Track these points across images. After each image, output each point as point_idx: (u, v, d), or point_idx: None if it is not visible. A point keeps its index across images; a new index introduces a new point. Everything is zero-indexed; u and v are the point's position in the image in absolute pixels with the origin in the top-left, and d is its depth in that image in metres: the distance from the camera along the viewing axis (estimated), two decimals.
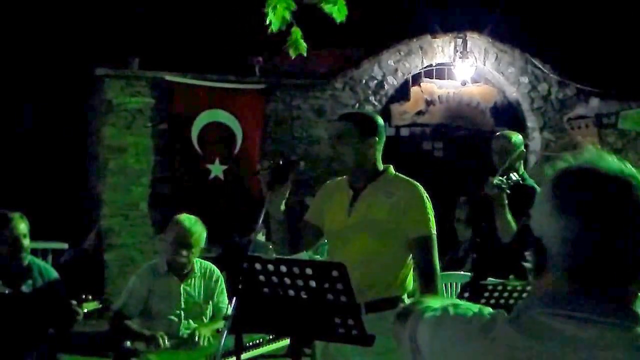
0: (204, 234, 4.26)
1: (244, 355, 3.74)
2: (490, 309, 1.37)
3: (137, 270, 4.57)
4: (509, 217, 4.39)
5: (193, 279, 4.27)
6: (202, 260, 4.37)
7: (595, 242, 1.24)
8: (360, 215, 3.17)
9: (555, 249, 1.27)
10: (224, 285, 4.35)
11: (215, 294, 4.31)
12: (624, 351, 1.22)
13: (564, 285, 1.27)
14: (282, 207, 3.14)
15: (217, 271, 4.37)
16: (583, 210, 1.25)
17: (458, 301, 1.45)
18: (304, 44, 4.94)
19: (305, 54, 5.02)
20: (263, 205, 3.05)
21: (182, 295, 4.22)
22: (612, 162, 1.29)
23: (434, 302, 1.47)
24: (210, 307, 4.31)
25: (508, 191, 4.38)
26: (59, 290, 4.23)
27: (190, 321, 4.23)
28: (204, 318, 4.27)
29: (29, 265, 4.23)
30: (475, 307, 1.38)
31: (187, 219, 4.22)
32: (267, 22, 4.79)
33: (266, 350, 4.25)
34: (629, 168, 1.29)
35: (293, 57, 5.03)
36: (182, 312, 4.22)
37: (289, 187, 3.11)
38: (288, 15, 4.74)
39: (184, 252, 4.15)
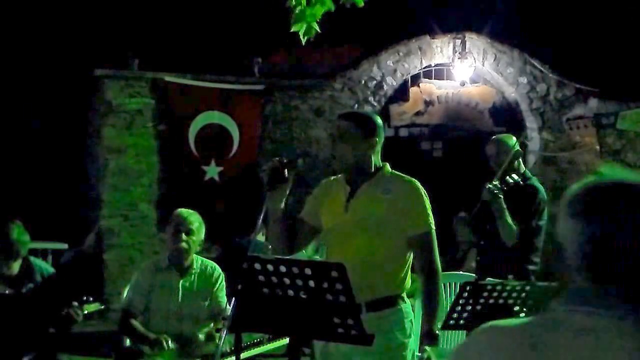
0: (203, 228, 4.33)
1: (243, 354, 3.75)
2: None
3: (139, 268, 4.61)
4: (509, 220, 4.40)
5: (192, 276, 4.29)
6: (203, 259, 4.40)
7: (596, 240, 1.33)
8: (358, 212, 3.18)
9: (568, 251, 1.39)
10: (224, 283, 4.36)
11: (215, 291, 4.32)
12: (630, 340, 1.29)
13: (577, 283, 1.37)
14: (282, 205, 3.15)
15: (217, 269, 4.38)
16: (586, 212, 1.36)
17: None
18: (316, 27, 4.60)
19: (312, 37, 4.64)
20: (261, 206, 3.06)
21: (180, 290, 4.25)
22: (623, 173, 1.40)
23: None
24: (206, 305, 4.31)
25: (501, 196, 4.41)
26: (59, 291, 4.25)
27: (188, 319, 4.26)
28: (200, 315, 4.29)
29: (30, 267, 4.26)
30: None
31: (185, 210, 4.36)
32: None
33: (266, 349, 4.26)
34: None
35: (303, 42, 4.61)
36: (179, 308, 4.24)
37: (289, 186, 3.11)
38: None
39: (183, 237, 4.21)
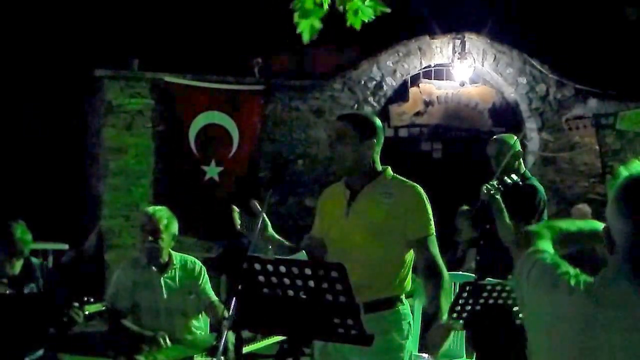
0: (173, 222, 4.32)
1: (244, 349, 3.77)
2: (574, 275, 1.71)
3: (118, 267, 4.63)
4: (507, 220, 4.43)
5: (172, 271, 4.31)
6: (183, 254, 4.43)
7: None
8: (359, 216, 3.19)
9: (617, 239, 1.66)
10: (207, 277, 4.39)
11: (200, 284, 4.34)
12: None
13: (623, 263, 1.65)
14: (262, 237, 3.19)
15: (198, 263, 4.41)
16: (635, 215, 1.61)
17: (560, 261, 1.79)
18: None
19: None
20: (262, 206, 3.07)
21: (162, 286, 4.27)
22: None
23: (546, 246, 1.89)
24: (192, 299, 4.33)
25: (497, 196, 4.42)
26: (59, 291, 4.27)
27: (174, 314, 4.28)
28: (188, 309, 4.31)
29: (31, 267, 4.28)
30: (570, 270, 1.73)
31: (152, 208, 4.40)
32: (298, 31, 4.38)
33: (262, 345, 4.28)
34: None
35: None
36: (167, 304, 4.26)
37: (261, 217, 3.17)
38: (317, 24, 4.44)
39: (150, 238, 4.23)
